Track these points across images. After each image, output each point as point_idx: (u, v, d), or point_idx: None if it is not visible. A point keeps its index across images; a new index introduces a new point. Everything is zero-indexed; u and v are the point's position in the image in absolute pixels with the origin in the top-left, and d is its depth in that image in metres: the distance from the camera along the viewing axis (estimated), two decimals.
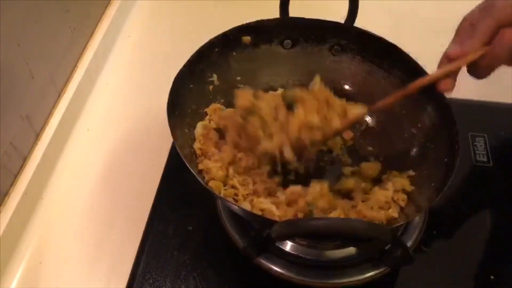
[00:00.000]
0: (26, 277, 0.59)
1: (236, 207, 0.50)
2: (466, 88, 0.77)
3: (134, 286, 0.57)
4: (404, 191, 0.56)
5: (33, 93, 0.65)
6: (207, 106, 0.62)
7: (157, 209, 0.64)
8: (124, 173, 0.69)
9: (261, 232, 0.53)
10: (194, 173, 0.50)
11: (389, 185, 0.56)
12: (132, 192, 0.67)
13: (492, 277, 0.58)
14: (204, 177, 0.56)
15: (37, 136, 0.67)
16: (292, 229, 0.43)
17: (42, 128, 0.68)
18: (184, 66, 0.57)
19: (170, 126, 0.52)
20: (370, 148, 0.64)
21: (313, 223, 0.43)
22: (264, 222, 0.50)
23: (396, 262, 0.52)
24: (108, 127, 0.75)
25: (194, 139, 0.59)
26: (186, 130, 0.59)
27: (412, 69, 0.60)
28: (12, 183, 0.62)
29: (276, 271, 0.54)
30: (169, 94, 0.54)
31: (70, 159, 0.70)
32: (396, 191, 0.56)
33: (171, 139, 0.68)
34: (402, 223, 0.56)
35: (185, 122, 0.59)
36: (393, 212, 0.54)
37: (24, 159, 0.64)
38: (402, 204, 0.55)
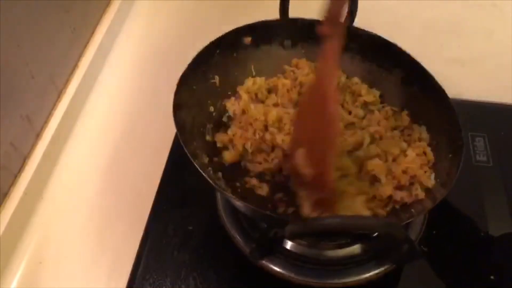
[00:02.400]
0: (26, 277, 0.59)
1: (245, 205, 0.49)
2: (466, 88, 0.78)
3: (134, 286, 0.57)
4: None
5: (33, 93, 0.65)
6: (210, 107, 0.63)
7: (157, 209, 0.64)
8: (124, 173, 0.69)
9: (267, 233, 0.53)
10: (204, 174, 0.50)
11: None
12: (132, 192, 0.67)
13: (492, 277, 0.58)
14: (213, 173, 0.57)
15: (37, 136, 0.67)
16: (305, 228, 0.43)
17: (42, 128, 0.68)
18: (187, 68, 0.57)
19: (177, 128, 0.52)
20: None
21: (326, 221, 0.43)
22: (274, 221, 0.50)
23: (403, 258, 0.52)
24: (108, 127, 0.74)
25: (199, 139, 0.59)
26: (191, 132, 0.59)
27: (412, 68, 0.60)
28: (12, 183, 0.62)
29: (276, 271, 0.54)
30: (174, 97, 0.54)
31: (70, 159, 0.70)
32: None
33: (171, 139, 0.69)
34: (410, 220, 0.56)
35: (189, 124, 0.59)
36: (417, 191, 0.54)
37: (24, 159, 0.64)
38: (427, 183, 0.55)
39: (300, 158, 0.51)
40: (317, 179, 0.51)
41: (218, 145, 0.61)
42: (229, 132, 0.61)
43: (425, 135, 0.59)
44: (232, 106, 0.63)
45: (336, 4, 0.49)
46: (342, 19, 0.50)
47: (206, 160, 0.58)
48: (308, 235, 0.54)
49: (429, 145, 0.58)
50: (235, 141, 0.60)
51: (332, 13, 0.49)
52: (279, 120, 0.62)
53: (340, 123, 0.60)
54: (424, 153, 0.57)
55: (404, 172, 0.55)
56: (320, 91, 0.51)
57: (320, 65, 0.52)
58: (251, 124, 0.61)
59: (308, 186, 0.52)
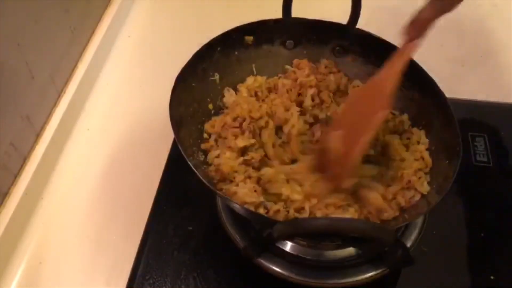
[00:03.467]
0: (26, 277, 0.59)
1: (237, 206, 0.49)
2: (466, 88, 0.78)
3: (134, 286, 0.57)
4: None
5: (33, 93, 0.65)
6: (208, 104, 0.62)
7: (157, 209, 0.64)
8: (124, 173, 0.69)
9: (261, 231, 0.53)
10: (197, 172, 0.50)
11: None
12: (132, 192, 0.67)
13: (492, 277, 0.58)
14: (207, 175, 0.56)
15: (37, 136, 0.67)
16: (294, 229, 0.43)
17: (42, 128, 0.68)
18: (187, 64, 0.57)
19: (172, 125, 0.52)
20: (371, 152, 0.63)
21: (315, 222, 0.43)
22: (265, 221, 0.50)
23: (396, 263, 0.52)
24: (108, 127, 0.74)
25: (196, 137, 0.59)
26: (188, 129, 0.59)
27: (413, 70, 0.60)
28: (12, 183, 0.62)
29: (276, 271, 0.54)
30: (171, 92, 0.54)
31: (70, 159, 0.70)
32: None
33: (171, 139, 0.69)
34: (402, 224, 0.56)
35: (186, 121, 0.59)
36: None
37: (24, 159, 0.64)
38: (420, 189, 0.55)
39: (337, 136, 0.55)
40: (342, 159, 0.54)
41: (205, 136, 0.60)
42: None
43: (424, 139, 0.59)
44: (230, 97, 0.63)
45: (430, 13, 0.50)
46: (428, 31, 0.51)
47: (202, 158, 0.58)
48: (296, 235, 0.54)
49: (427, 149, 0.58)
50: (215, 125, 0.60)
51: (423, 18, 0.51)
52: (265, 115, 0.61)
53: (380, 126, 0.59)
54: (422, 158, 0.57)
55: (401, 177, 0.55)
56: (380, 89, 0.54)
57: (390, 63, 0.54)
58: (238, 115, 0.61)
59: (330, 164, 0.56)
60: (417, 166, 0.56)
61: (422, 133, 0.60)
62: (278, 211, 0.53)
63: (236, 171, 0.56)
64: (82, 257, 0.61)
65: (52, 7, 0.68)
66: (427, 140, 0.59)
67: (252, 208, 0.52)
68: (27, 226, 0.63)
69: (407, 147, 0.59)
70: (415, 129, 0.60)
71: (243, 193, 0.53)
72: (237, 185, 0.54)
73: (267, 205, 0.54)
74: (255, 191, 0.54)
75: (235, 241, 0.57)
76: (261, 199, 0.54)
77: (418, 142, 0.59)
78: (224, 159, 0.56)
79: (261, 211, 0.53)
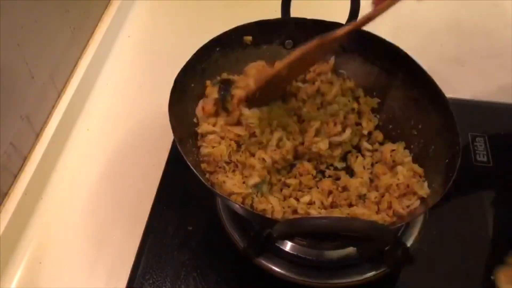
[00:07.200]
0: (26, 277, 0.59)
1: (237, 206, 0.50)
2: (466, 88, 0.78)
3: (134, 286, 0.57)
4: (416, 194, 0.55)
5: (33, 93, 0.65)
6: None
7: (157, 209, 0.64)
8: (124, 173, 0.69)
9: (261, 232, 0.53)
10: (195, 171, 0.50)
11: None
12: (132, 192, 0.67)
13: (492, 277, 0.58)
14: (205, 174, 0.56)
15: (37, 136, 0.67)
16: (294, 228, 0.43)
17: (42, 128, 0.68)
18: (186, 65, 0.57)
19: (171, 124, 0.52)
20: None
21: (315, 222, 0.43)
22: (265, 221, 0.50)
23: (396, 263, 0.52)
24: (108, 127, 0.75)
25: (195, 137, 0.59)
26: (187, 129, 0.59)
27: (413, 69, 0.60)
28: (12, 183, 0.62)
29: (276, 271, 0.54)
30: (170, 92, 0.54)
31: (70, 159, 0.70)
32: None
33: (171, 139, 0.69)
34: (402, 224, 0.56)
35: (186, 120, 0.59)
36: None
37: (24, 159, 0.64)
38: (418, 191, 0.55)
39: None
40: None
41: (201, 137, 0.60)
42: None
43: (404, 154, 0.59)
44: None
45: None
46: None
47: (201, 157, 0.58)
48: (296, 235, 0.54)
49: (425, 150, 0.58)
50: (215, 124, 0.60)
51: None
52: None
53: None
54: (412, 170, 0.57)
55: (397, 186, 0.55)
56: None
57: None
58: None
59: None
60: (410, 174, 0.56)
61: (401, 146, 0.60)
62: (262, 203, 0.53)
63: (226, 162, 0.56)
64: (82, 257, 0.61)
65: (52, 7, 0.68)
66: (407, 153, 0.59)
67: (240, 199, 0.53)
68: (27, 226, 0.63)
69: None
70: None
71: (231, 184, 0.53)
72: (227, 176, 0.55)
73: (253, 197, 0.54)
74: (243, 182, 0.54)
75: (235, 241, 0.57)
76: (249, 190, 0.54)
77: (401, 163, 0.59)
78: (216, 150, 0.56)
79: (248, 202, 0.53)
